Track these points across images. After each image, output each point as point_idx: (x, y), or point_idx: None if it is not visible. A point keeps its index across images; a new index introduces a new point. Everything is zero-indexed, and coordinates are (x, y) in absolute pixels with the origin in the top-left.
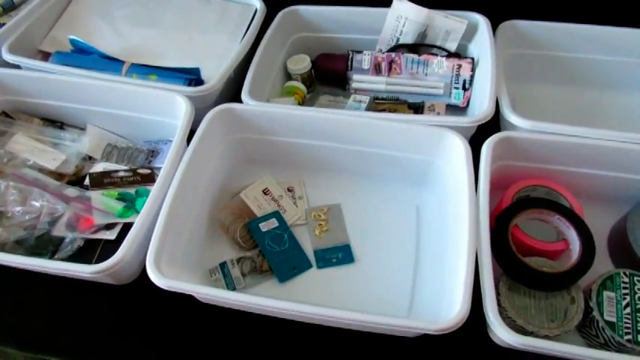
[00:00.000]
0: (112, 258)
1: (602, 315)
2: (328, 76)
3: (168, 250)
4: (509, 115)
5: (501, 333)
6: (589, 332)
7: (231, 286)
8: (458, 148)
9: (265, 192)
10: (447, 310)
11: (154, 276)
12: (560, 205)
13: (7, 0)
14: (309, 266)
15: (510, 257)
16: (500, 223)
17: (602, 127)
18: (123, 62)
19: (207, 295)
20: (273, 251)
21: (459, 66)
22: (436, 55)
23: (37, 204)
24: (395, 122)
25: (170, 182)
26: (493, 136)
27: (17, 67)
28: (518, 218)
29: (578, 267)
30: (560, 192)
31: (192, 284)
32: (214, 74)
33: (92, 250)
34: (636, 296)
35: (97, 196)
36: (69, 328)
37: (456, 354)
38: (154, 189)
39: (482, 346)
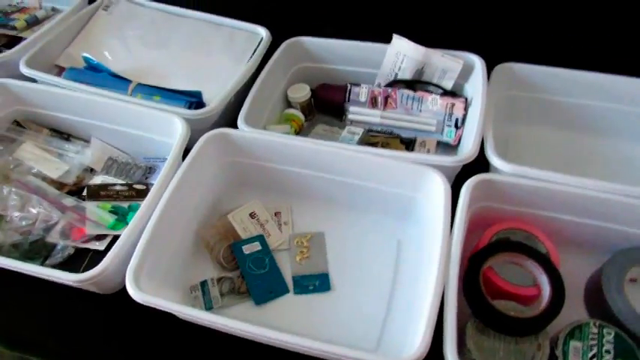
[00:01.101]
0: (95, 268)
1: None
2: (327, 106)
3: (150, 265)
4: (492, 158)
5: None
6: None
7: (208, 304)
8: (438, 187)
9: (252, 215)
10: (410, 347)
11: (131, 290)
12: (534, 250)
13: (31, 15)
14: (286, 291)
15: (479, 299)
16: (473, 264)
17: (592, 174)
18: (130, 82)
19: (179, 313)
20: (253, 274)
21: (453, 105)
22: (431, 92)
23: (34, 211)
24: (381, 157)
25: (160, 198)
26: (473, 177)
27: (33, 80)
28: (493, 260)
29: (546, 314)
30: (539, 237)
31: (167, 301)
32: (215, 97)
33: (81, 259)
34: (604, 349)
35: (91, 208)
36: (55, 331)
37: None
38: (144, 204)
39: None
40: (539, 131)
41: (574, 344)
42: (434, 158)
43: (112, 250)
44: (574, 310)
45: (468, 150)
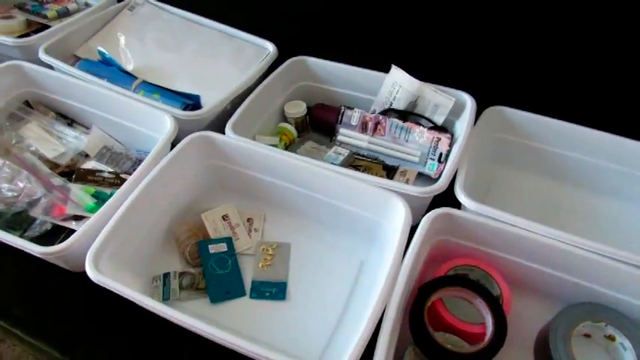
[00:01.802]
0: (61, 244)
1: None
2: (320, 125)
3: (114, 249)
4: (458, 193)
5: None
6: None
7: (166, 295)
8: (400, 214)
9: (224, 217)
10: None
11: (89, 269)
12: (482, 288)
13: (63, 7)
14: (242, 294)
15: (420, 327)
16: (422, 292)
17: (564, 225)
18: (135, 78)
19: (132, 298)
20: (214, 273)
21: (439, 139)
22: (421, 125)
23: (21, 184)
24: (354, 180)
25: (135, 187)
26: (435, 210)
27: (50, 66)
28: (443, 293)
29: (484, 352)
30: (495, 277)
31: (122, 286)
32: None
33: (57, 235)
34: None
35: (75, 189)
36: (21, 300)
37: None
38: (119, 190)
39: None
40: (522, 176)
41: None
42: (403, 187)
43: (79, 228)
44: (523, 358)
45: (438, 182)
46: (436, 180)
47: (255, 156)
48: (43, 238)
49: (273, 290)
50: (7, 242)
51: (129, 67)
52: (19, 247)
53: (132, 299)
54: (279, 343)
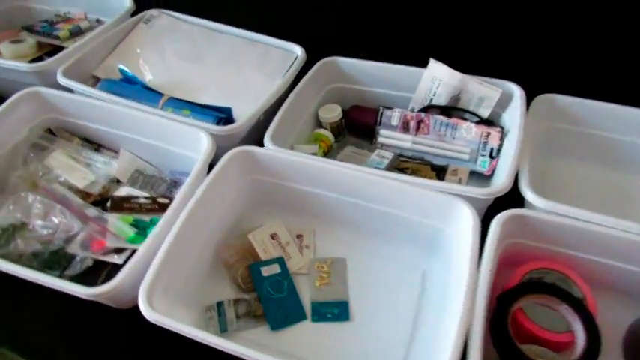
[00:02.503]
0: (109, 283)
1: None
2: (358, 127)
3: (166, 282)
4: (526, 192)
5: None
6: None
7: (223, 326)
8: (466, 219)
9: (273, 236)
10: None
11: (144, 308)
12: (568, 293)
13: (75, 25)
14: (303, 317)
15: (506, 342)
16: (502, 304)
17: (631, 214)
18: (162, 95)
19: (192, 336)
20: (270, 297)
21: (488, 134)
22: (467, 119)
23: (56, 220)
24: (408, 185)
25: (179, 214)
26: (504, 212)
27: (69, 89)
28: (523, 301)
29: None
30: (574, 279)
31: (180, 323)
32: (245, 114)
33: (100, 271)
34: None
35: (112, 220)
36: (67, 342)
37: None
38: (163, 218)
39: None
40: (578, 166)
41: None
42: (464, 189)
43: (127, 264)
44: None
45: (500, 182)
46: (489, 178)
47: (299, 167)
48: (84, 276)
49: (335, 311)
50: (48, 285)
51: (152, 84)
52: (62, 290)
53: (190, 336)
54: None
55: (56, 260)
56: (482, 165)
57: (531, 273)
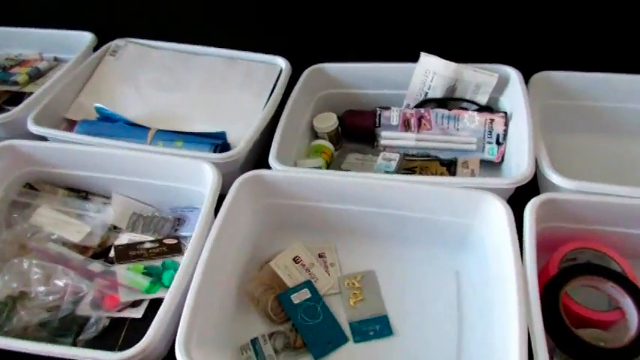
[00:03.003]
0: (140, 343)
1: None
2: (356, 133)
3: (198, 330)
4: (551, 175)
5: None
6: None
7: None
8: (498, 212)
9: (296, 260)
10: None
11: None
12: (613, 272)
13: (33, 68)
14: (345, 340)
15: (563, 330)
16: (550, 293)
17: None
18: (148, 129)
19: None
20: (307, 325)
21: (492, 120)
22: (466, 109)
23: (61, 283)
24: (430, 185)
25: (199, 255)
26: (535, 198)
27: (43, 137)
28: (569, 286)
29: (639, 341)
30: (610, 255)
31: None
32: (240, 137)
33: (118, 330)
34: None
35: (122, 272)
36: None
37: None
38: (183, 263)
39: None
40: (582, 140)
41: None
42: (489, 181)
43: (156, 318)
44: None
45: (524, 169)
46: (498, 165)
47: (311, 184)
48: (100, 338)
49: (377, 327)
50: (63, 356)
51: (135, 119)
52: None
53: None
54: None
55: (67, 326)
56: (491, 152)
57: (567, 256)
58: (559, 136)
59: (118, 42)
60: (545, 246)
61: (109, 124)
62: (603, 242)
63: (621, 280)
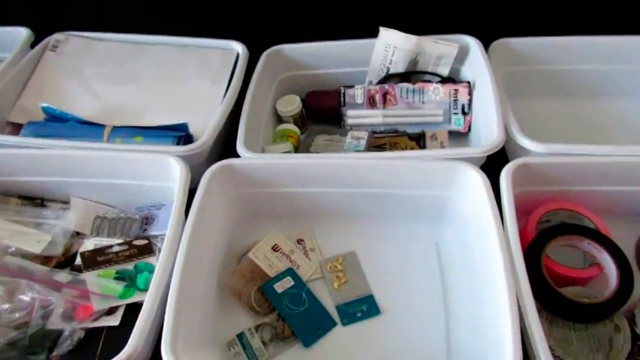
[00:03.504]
0: (123, 351)
1: None
2: (321, 114)
3: (183, 332)
4: (522, 140)
5: None
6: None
7: (253, 359)
8: (475, 181)
9: (275, 248)
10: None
11: None
12: (589, 229)
13: None
14: (334, 324)
15: (548, 290)
16: (532, 255)
17: (606, 138)
18: (104, 126)
19: None
20: (294, 313)
21: (456, 91)
22: (430, 81)
23: (27, 298)
24: (405, 160)
25: (175, 254)
26: (510, 163)
27: None
28: (548, 247)
29: (620, 293)
30: (583, 213)
31: None
32: (202, 127)
33: (95, 341)
34: None
35: (92, 279)
36: None
37: None
38: (159, 264)
39: None
40: (545, 104)
41: None
42: (462, 151)
43: (137, 325)
44: None
45: (495, 136)
46: (466, 134)
47: (284, 169)
48: (76, 352)
49: (364, 308)
50: None
51: (86, 117)
52: None
53: None
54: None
55: (38, 343)
56: (458, 123)
57: (541, 218)
58: (522, 101)
59: (58, 36)
60: (519, 211)
61: (58, 124)
62: (575, 202)
63: (597, 236)
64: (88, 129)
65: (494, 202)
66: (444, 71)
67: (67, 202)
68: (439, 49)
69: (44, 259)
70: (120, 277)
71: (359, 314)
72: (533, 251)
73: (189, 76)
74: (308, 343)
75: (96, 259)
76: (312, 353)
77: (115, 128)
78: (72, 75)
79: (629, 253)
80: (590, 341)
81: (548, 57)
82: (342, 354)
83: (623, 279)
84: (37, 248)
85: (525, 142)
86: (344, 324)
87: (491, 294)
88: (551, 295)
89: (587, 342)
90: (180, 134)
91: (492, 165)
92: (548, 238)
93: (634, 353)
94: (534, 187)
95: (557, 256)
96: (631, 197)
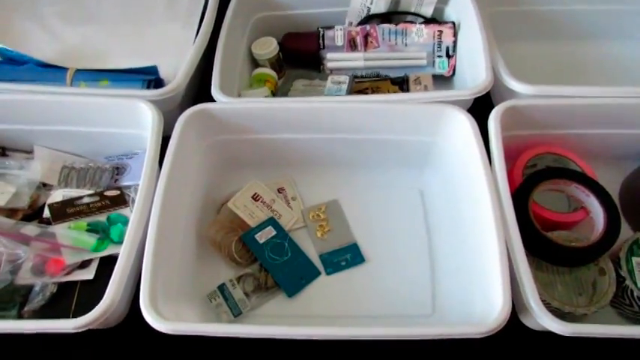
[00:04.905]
0: (99, 305)
1: (635, 284)
2: (299, 57)
3: (162, 285)
4: (511, 82)
5: (547, 323)
6: (621, 302)
7: (235, 310)
8: (463, 124)
9: (255, 198)
10: (482, 306)
11: (153, 321)
12: (577, 172)
13: None
14: (318, 274)
15: (536, 235)
16: (520, 200)
17: (595, 81)
18: (66, 69)
19: (218, 333)
20: (276, 263)
21: (440, 32)
22: (413, 22)
23: None
24: (389, 104)
25: (150, 204)
26: (499, 106)
27: None
28: (536, 192)
29: (607, 236)
30: (569, 157)
31: (199, 324)
32: (172, 71)
33: (69, 295)
34: None
35: (62, 231)
36: None
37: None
38: (134, 215)
39: (513, 330)
40: (531, 46)
41: (637, 260)
42: (450, 93)
43: (113, 278)
44: None
45: (483, 78)
46: (450, 77)
47: (263, 115)
48: (49, 307)
49: (348, 257)
50: (18, 331)
51: (46, 59)
52: (35, 331)
53: (214, 334)
54: (384, 309)
55: (8, 298)
56: (442, 66)
57: (528, 162)
58: (508, 44)
59: None
60: (505, 155)
61: (15, 67)
62: (562, 146)
63: (585, 179)
64: (48, 72)
65: (483, 146)
66: (428, 11)
67: (30, 152)
68: None
69: (9, 212)
70: (92, 229)
71: (343, 263)
72: (521, 196)
73: (155, 16)
74: (291, 293)
75: (65, 211)
76: (296, 303)
77: (79, 71)
78: (26, 13)
79: (614, 197)
80: (574, 285)
81: None
82: (327, 303)
83: (610, 222)
84: (0, 200)
85: (514, 85)
86: (328, 273)
87: (479, 240)
88: (540, 240)
89: (571, 285)
90: (150, 78)
91: (476, 110)
92: (536, 182)
93: (618, 295)
94: (521, 131)
95: (541, 200)
96: (617, 140)
